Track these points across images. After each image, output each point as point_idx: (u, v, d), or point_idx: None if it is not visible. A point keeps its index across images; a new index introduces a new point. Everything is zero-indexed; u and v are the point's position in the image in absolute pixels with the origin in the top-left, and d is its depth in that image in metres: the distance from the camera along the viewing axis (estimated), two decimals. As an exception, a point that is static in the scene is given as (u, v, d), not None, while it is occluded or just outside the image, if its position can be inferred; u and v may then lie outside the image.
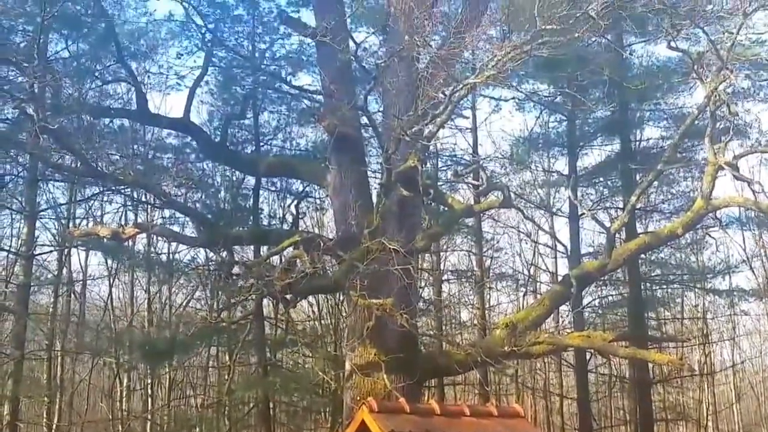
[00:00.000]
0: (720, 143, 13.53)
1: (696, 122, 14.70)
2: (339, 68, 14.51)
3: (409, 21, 13.41)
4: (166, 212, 21.92)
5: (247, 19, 20.73)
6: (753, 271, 27.81)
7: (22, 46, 15.42)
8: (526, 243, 29.84)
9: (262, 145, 22.02)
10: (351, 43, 13.98)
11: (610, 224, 17.66)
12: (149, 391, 25.66)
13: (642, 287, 24.77)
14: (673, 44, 13.79)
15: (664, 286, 27.38)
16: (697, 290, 27.86)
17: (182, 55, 19.67)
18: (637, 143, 25.19)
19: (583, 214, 23.10)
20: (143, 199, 22.00)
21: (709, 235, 25.19)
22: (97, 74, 15.90)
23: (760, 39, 16.58)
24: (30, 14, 15.61)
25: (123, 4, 18.62)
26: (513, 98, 22.04)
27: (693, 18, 13.10)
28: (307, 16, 18.01)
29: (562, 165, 26.54)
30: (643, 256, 22.34)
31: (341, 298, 21.44)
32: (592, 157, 26.29)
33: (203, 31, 17.56)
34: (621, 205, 24.14)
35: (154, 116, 16.81)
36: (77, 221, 24.51)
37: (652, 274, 26.07)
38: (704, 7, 13.61)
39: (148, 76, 20.21)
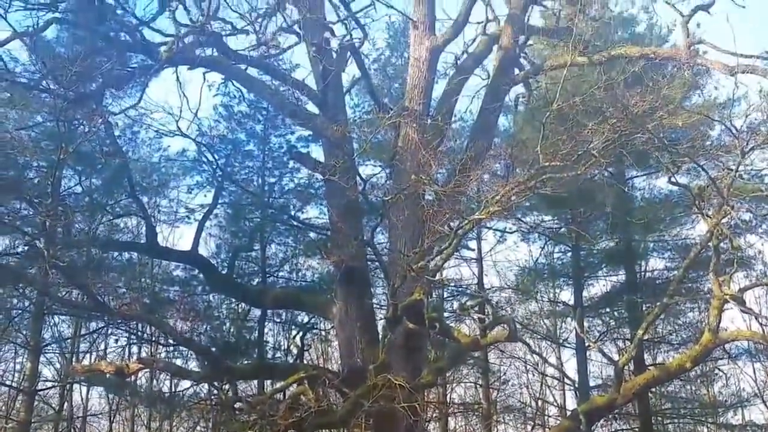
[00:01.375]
0: (725, 275, 13.49)
1: (700, 253, 14.71)
2: (346, 203, 14.71)
3: (415, 159, 13.73)
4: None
5: (257, 155, 21.16)
6: (766, 405, 27.18)
7: (36, 182, 15.69)
8: (533, 374, 29.51)
9: (269, 277, 22.04)
10: (358, 179, 14.25)
11: (618, 357, 17.49)
12: None
13: (653, 421, 24.20)
14: (673, 179, 13.94)
15: (676, 420, 26.77)
16: (709, 425, 27.19)
17: (193, 189, 20.09)
18: (643, 274, 25.16)
19: (590, 346, 22.90)
20: (148, 332, 21.91)
21: (719, 369, 24.92)
22: (108, 209, 16.13)
23: (759, 174, 16.81)
24: (46, 151, 15.95)
25: (138, 141, 19.15)
26: (517, 230, 22.25)
27: (692, 155, 13.32)
28: (317, 151, 18.45)
29: (567, 295, 26.51)
30: (652, 389, 22.00)
31: (346, 432, 20.98)
32: (597, 287, 26.29)
33: (214, 167, 17.99)
34: (628, 336, 23.94)
35: (163, 250, 16.93)
36: (81, 356, 24.29)
37: (663, 408, 25.58)
38: (703, 143, 13.90)
39: (159, 210, 20.59)
